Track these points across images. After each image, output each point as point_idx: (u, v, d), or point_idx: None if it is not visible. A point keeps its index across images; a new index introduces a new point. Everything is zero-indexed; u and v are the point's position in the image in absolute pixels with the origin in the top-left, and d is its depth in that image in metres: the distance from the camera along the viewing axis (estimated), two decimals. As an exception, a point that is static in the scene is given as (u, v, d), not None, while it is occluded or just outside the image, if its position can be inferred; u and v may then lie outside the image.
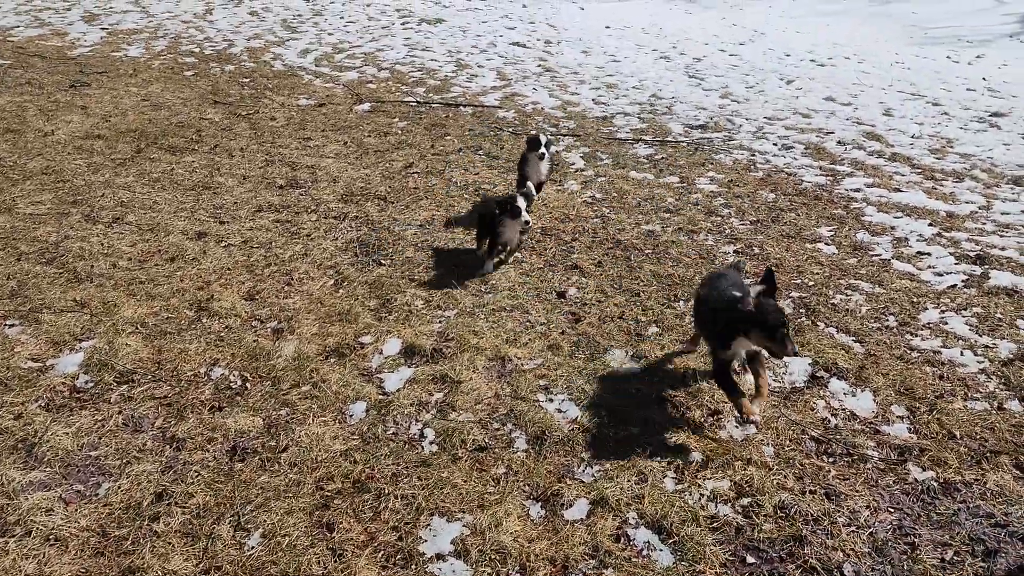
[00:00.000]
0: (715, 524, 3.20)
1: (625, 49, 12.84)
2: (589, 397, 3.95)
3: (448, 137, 8.02)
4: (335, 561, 2.99)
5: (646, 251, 5.56)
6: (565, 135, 8.23)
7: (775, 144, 8.07)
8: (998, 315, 4.68)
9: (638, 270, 5.27)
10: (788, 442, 3.67)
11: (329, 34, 12.80)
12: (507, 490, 3.36)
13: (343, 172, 6.89)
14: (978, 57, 12.44)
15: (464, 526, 3.17)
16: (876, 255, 5.52)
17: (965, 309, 4.76)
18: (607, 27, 14.66)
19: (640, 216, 6.18)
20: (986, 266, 5.28)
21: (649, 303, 4.85)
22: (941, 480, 3.43)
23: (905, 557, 3.04)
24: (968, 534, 3.14)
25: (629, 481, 3.40)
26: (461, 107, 9.12)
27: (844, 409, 3.90)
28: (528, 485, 3.40)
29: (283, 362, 4.16)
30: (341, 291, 4.93)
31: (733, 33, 14.49)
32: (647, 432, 3.73)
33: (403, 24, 13.83)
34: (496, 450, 3.60)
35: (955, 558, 3.03)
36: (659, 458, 3.55)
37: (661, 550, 3.08)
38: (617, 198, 6.55)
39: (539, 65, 11.48)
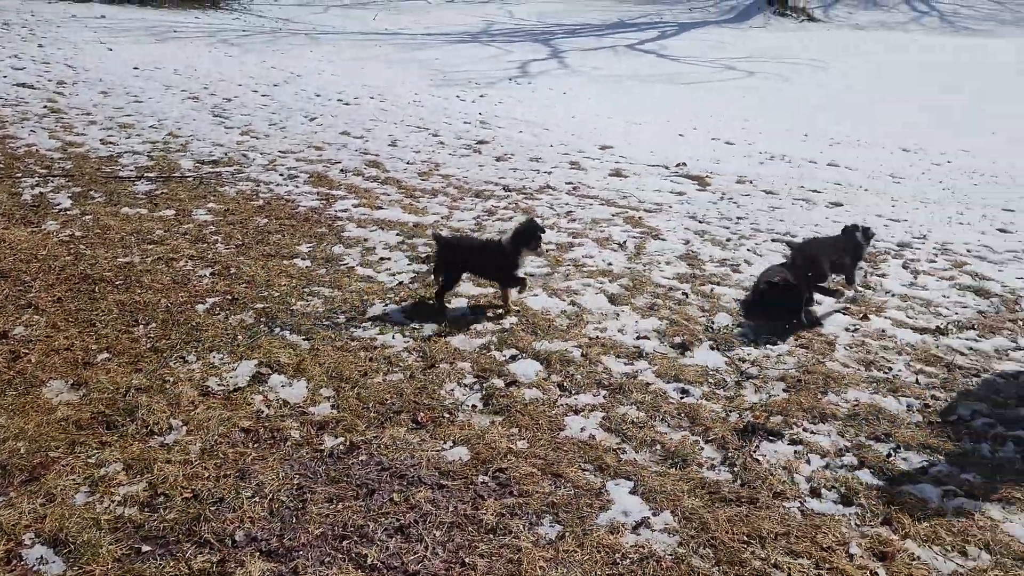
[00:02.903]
0: (118, 525, 3.29)
1: (151, 90, 12.52)
2: (9, 432, 3.80)
3: (-96, 185, 7.08)
4: None
5: (116, 282, 5.50)
6: (57, 176, 7.77)
7: (282, 175, 8.51)
8: (430, 302, 5.49)
9: (101, 301, 5.20)
10: (217, 437, 3.91)
11: None
12: None
13: None
14: (481, 96, 14.37)
15: None
16: (344, 264, 6.13)
17: (405, 301, 5.50)
18: (136, 68, 14.15)
19: (120, 250, 6.09)
20: (431, 264, 6.15)
21: (105, 331, 4.82)
22: (347, 443, 3.93)
23: (296, 511, 3.43)
24: (356, 481, 3.64)
25: (32, 504, 3.35)
26: (-69, 152, 8.11)
27: (279, 399, 4.27)
28: (-88, 532, 3.17)
29: None
30: None
31: (270, 75, 14.92)
32: (73, 454, 3.71)
33: None
34: None
35: (340, 501, 3.50)
36: (75, 476, 3.55)
37: (53, 561, 3.09)
38: (100, 234, 6.37)
39: (45, 107, 10.70)
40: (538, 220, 5.69)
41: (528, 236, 5.29)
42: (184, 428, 3.97)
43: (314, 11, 24.88)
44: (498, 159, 9.79)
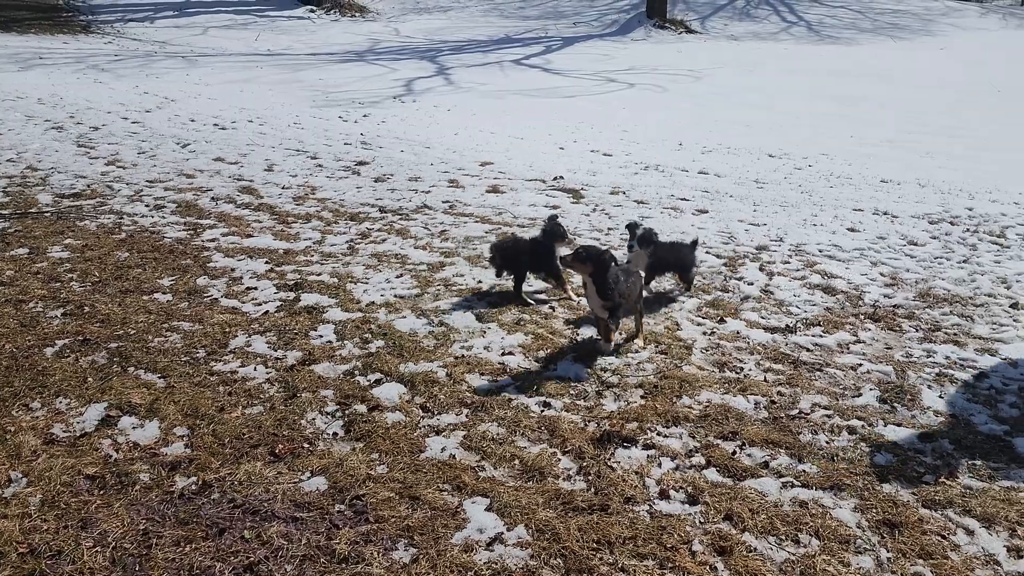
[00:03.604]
0: (-56, 588, 3.14)
1: (11, 121, 11.96)
2: None
3: None
4: None
5: (-43, 330, 5.23)
6: (-103, 218, 7.33)
7: (148, 206, 8.26)
8: (295, 330, 5.45)
9: (-62, 350, 4.94)
10: (59, 487, 3.77)
11: None
12: None
13: None
14: (365, 116, 14.31)
15: None
16: (208, 296, 6.01)
17: (270, 331, 5.44)
18: (-5, 99, 13.47)
19: (-36, 294, 5.79)
20: (300, 291, 6.10)
21: (-60, 382, 4.58)
22: (200, 482, 3.86)
23: (139, 558, 3.35)
24: (206, 521, 3.58)
25: None
26: None
27: (129, 442, 4.15)
28: None
29: None
30: None
31: (142, 101, 14.47)
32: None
33: None
34: None
35: (188, 543, 3.43)
36: (-102, 540, 3.36)
37: None
38: (-58, 279, 6.04)
39: None
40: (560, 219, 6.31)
41: (555, 234, 5.98)
42: (24, 480, 3.81)
43: (193, 33, 24.26)
44: (377, 180, 9.78)
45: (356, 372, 4.97)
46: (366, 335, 5.45)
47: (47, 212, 7.82)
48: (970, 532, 3.69)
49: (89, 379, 4.69)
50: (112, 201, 8.34)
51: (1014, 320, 6.06)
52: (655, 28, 28.03)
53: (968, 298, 6.47)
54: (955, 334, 5.80)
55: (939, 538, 3.64)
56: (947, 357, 5.45)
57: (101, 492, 3.77)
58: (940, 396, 4.93)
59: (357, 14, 28.89)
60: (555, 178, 10.08)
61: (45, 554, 3.34)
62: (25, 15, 23.41)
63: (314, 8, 28.52)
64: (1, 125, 11.62)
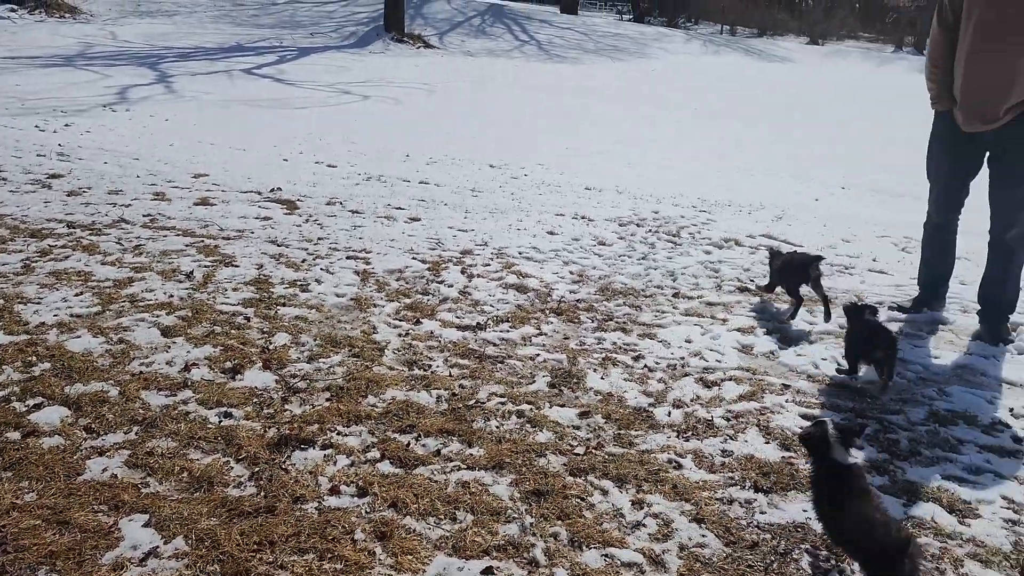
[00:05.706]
0: None
1: None
2: None
3: None
4: None
5: None
6: None
7: None
8: (-60, 358, 4.90)
9: None
10: None
11: None
12: None
13: None
14: (67, 126, 13.14)
15: None
16: None
17: (-92, 360, 4.85)
18: None
19: None
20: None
21: None
22: None
23: None
24: None
25: None
26: None
27: None
28: None
29: None
30: None
31: None
32: None
33: None
34: None
35: None
36: None
37: None
38: None
39: None
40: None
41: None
42: None
43: None
44: (70, 194, 9.05)
45: (13, 398, 4.59)
46: (30, 358, 5.05)
47: None
48: (604, 492, 4.17)
49: None
50: None
51: (673, 307, 6.89)
52: (393, 42, 28.43)
53: (640, 290, 7.26)
54: (624, 322, 6.49)
55: (578, 500, 4.08)
56: (614, 343, 6.08)
57: None
58: (602, 378, 5.49)
59: (67, 15, 26.42)
60: (272, 189, 9.92)
61: None
62: None
63: (15, 7, 25.66)
64: None
